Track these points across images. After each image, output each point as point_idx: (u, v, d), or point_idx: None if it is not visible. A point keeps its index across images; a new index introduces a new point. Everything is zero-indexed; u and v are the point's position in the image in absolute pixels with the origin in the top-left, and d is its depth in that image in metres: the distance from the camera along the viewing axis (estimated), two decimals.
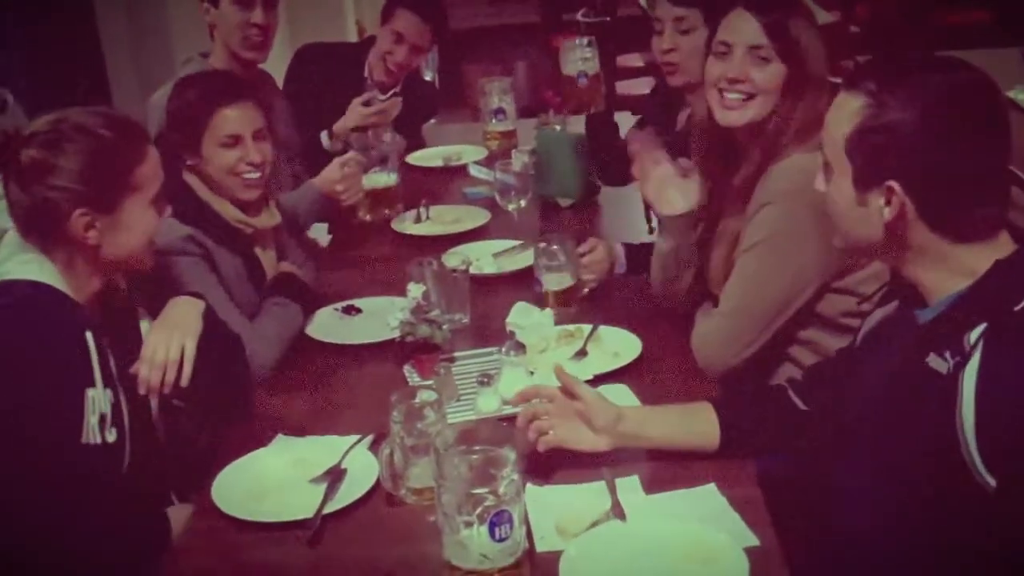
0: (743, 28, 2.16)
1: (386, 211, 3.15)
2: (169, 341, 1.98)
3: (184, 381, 1.97)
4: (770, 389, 1.99)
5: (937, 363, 1.47)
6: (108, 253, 1.90)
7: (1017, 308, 1.42)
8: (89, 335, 1.81)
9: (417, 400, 1.84)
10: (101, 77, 3.77)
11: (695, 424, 1.89)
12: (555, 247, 2.49)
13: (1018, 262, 1.49)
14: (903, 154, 1.48)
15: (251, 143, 2.42)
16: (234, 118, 2.41)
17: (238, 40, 3.00)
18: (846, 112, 1.54)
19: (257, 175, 2.44)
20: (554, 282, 2.49)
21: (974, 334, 1.44)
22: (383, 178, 3.03)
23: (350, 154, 2.97)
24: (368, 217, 3.05)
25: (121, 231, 1.89)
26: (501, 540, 1.53)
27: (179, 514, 1.90)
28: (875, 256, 1.66)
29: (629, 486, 1.80)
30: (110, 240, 1.89)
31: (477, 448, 1.57)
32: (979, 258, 1.49)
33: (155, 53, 3.72)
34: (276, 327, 2.40)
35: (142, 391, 1.95)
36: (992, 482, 1.39)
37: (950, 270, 1.51)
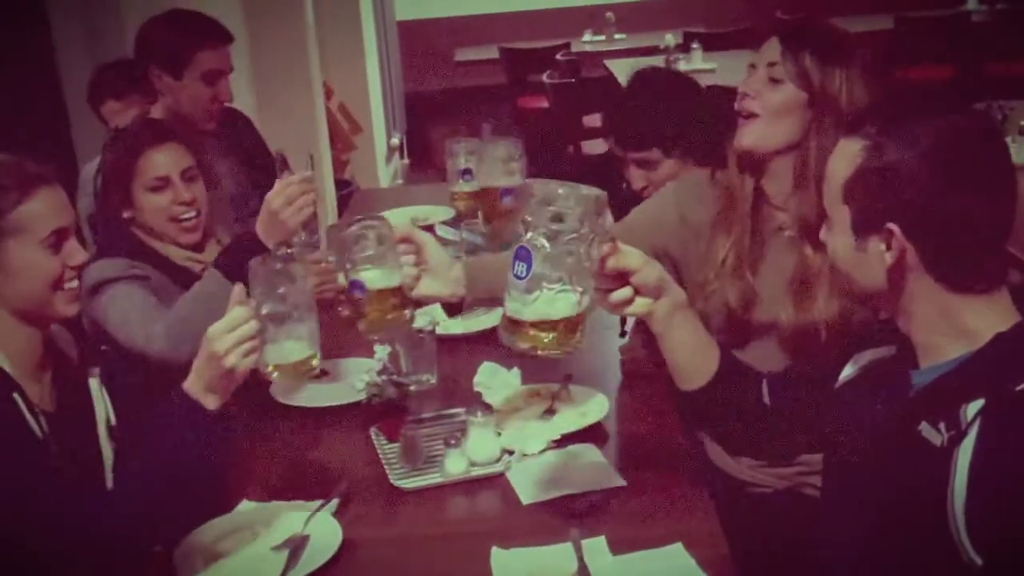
0: (768, 48, 2.15)
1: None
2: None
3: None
4: (751, 371, 1.85)
5: (930, 433, 1.43)
6: (6, 303, 1.79)
7: (1018, 388, 1.38)
8: (17, 396, 1.73)
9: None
10: (59, 100, 3.73)
11: (710, 352, 1.77)
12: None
13: (1020, 337, 1.45)
14: (901, 196, 1.44)
15: (180, 183, 2.40)
16: (159, 160, 2.39)
17: (201, 113, 2.97)
18: (845, 157, 1.50)
19: (193, 214, 2.43)
20: None
21: (971, 409, 1.39)
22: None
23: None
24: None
25: (9, 277, 1.77)
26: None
27: None
28: (879, 306, 1.58)
29: (596, 547, 1.78)
30: (2, 286, 1.78)
31: None
32: (978, 317, 1.46)
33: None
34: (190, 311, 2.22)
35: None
36: (979, 561, 1.36)
37: (948, 328, 1.47)
